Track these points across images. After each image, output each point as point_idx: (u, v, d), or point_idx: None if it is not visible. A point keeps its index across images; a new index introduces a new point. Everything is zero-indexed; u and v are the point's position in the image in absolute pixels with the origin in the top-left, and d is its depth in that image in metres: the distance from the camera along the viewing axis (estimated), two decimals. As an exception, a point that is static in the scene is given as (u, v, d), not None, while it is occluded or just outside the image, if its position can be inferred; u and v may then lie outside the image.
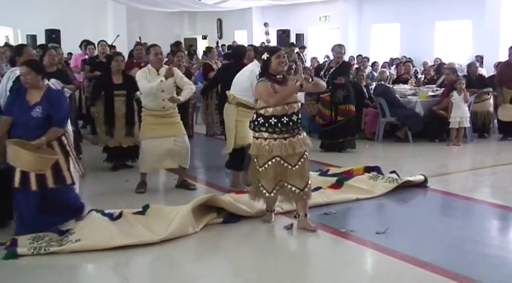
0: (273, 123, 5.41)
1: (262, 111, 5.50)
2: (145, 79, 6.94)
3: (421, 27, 20.21)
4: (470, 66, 12.05)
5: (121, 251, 5.12)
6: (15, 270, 4.82)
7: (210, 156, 9.83)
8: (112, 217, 5.58)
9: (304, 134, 5.63)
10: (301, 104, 5.84)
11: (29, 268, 4.88)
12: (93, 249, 5.11)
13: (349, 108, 9.62)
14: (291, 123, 5.44)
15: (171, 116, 7.15)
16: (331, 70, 9.47)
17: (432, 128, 10.85)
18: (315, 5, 23.49)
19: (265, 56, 5.53)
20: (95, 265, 5.08)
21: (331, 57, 10.01)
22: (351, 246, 5.36)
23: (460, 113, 10.34)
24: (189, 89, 7.13)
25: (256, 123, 5.55)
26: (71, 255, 5.05)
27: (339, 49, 9.66)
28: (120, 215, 5.64)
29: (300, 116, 5.57)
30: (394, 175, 7.34)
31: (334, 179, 7.14)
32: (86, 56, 11.65)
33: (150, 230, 5.43)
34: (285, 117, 5.41)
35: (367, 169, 7.54)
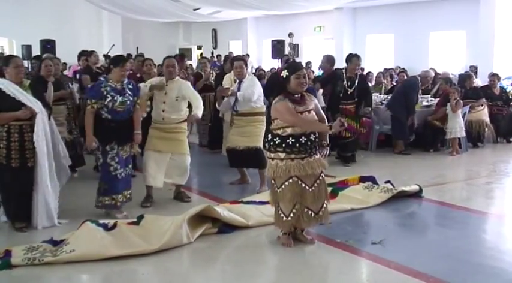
0: (290, 143, 5.25)
1: (279, 131, 5.31)
2: (151, 82, 7.15)
3: (416, 38, 20.29)
4: (466, 78, 12.11)
5: (116, 262, 5.09)
6: (9, 281, 4.79)
7: (205, 167, 9.81)
8: (106, 227, 5.55)
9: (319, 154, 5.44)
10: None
11: (23, 278, 4.85)
12: (87, 259, 5.08)
13: (369, 120, 9.77)
14: (308, 143, 5.28)
15: (174, 132, 7.11)
16: (355, 82, 9.38)
17: (427, 138, 10.89)
18: (310, 15, 23.55)
19: (284, 73, 5.32)
20: (90, 276, 5.06)
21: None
22: (346, 256, 5.35)
23: (453, 124, 10.39)
24: (198, 106, 7.06)
25: (271, 143, 5.37)
26: (65, 265, 5.02)
27: (357, 60, 9.48)
28: (114, 225, 5.61)
29: (317, 135, 5.39)
30: (388, 186, 7.33)
31: (329, 189, 7.12)
32: (79, 67, 11.57)
33: (145, 240, 5.40)
34: (303, 137, 5.25)
35: (362, 180, 7.53)
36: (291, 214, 5.35)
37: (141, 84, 7.08)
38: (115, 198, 6.50)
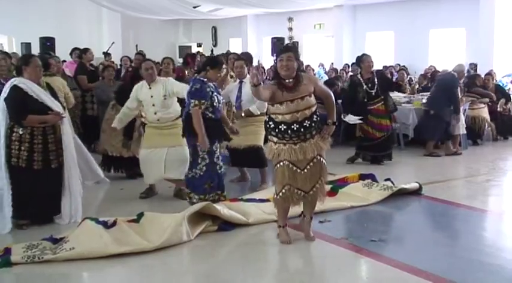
0: (282, 129, 5.23)
1: (273, 116, 5.32)
2: (135, 92, 7.13)
3: (416, 35, 20.29)
4: (475, 77, 12.13)
5: (115, 259, 5.10)
6: (9, 279, 4.80)
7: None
8: (106, 225, 5.55)
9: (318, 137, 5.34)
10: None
11: (23, 276, 4.86)
12: (87, 257, 5.09)
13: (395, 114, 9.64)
14: (302, 129, 5.23)
15: (170, 128, 7.15)
16: (376, 82, 9.15)
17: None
18: (310, 13, 23.55)
19: (273, 59, 5.40)
20: (89, 273, 5.06)
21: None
22: (346, 254, 5.35)
23: (453, 121, 10.38)
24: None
25: (268, 125, 5.39)
26: (65, 263, 5.03)
27: (369, 58, 9.28)
28: (114, 223, 5.61)
29: (314, 118, 5.29)
30: (388, 183, 7.33)
31: (328, 187, 7.11)
32: (75, 64, 11.61)
33: (145, 238, 5.41)
34: (295, 124, 5.21)
35: (362, 177, 7.53)
36: (280, 194, 5.38)
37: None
38: (219, 193, 6.58)
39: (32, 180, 5.92)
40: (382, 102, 9.27)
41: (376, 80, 9.21)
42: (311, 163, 5.36)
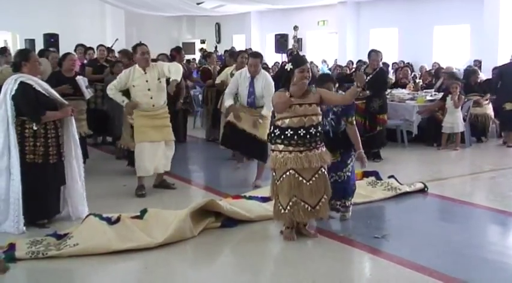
0: (289, 135, 5.27)
1: (279, 123, 5.36)
2: (125, 79, 7.11)
3: (420, 32, 20.23)
4: (471, 73, 12.09)
5: (119, 255, 5.11)
6: (13, 274, 4.80)
7: (208, 161, 9.82)
8: (110, 221, 5.56)
9: (323, 148, 5.42)
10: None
11: (27, 272, 4.89)
12: (91, 253, 5.10)
13: (384, 117, 9.39)
14: (308, 136, 5.26)
15: (162, 117, 7.25)
16: (368, 77, 8.95)
17: (430, 132, 10.86)
18: (313, 9, 23.53)
19: (288, 66, 5.38)
20: (93, 269, 5.05)
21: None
22: (348, 251, 5.36)
23: (452, 119, 10.35)
24: (177, 70, 7.21)
25: (272, 135, 5.42)
26: (69, 259, 5.04)
27: (375, 56, 9.27)
28: (118, 219, 5.62)
29: (319, 129, 5.36)
30: (393, 182, 7.30)
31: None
32: (85, 61, 11.66)
33: (148, 235, 5.42)
34: (302, 130, 5.25)
35: (366, 174, 7.52)
36: (288, 207, 5.37)
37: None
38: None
39: (48, 175, 5.90)
40: (365, 101, 9.22)
41: (369, 77, 9.06)
42: (316, 175, 5.39)
